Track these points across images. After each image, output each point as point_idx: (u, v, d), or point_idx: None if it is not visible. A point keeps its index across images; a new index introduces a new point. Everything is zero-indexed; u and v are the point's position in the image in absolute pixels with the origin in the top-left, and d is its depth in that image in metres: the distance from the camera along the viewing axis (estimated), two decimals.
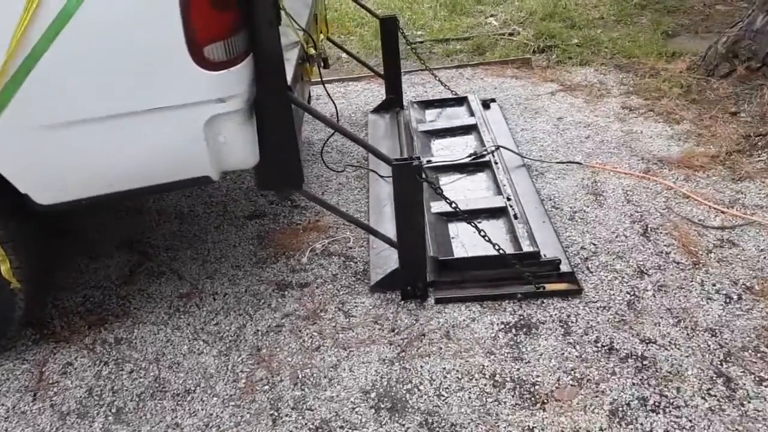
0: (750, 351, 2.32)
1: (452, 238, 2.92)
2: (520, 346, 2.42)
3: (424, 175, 2.50)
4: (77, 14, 1.95)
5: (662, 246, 2.87)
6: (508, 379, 2.29)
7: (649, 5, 5.82)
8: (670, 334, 2.42)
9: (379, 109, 4.23)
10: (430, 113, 4.19)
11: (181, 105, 2.14)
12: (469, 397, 2.23)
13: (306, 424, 2.20)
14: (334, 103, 3.38)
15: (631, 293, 2.63)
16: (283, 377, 2.39)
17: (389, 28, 3.93)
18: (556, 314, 2.55)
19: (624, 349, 2.37)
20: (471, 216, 2.80)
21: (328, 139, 3.71)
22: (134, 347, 2.59)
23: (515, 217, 2.95)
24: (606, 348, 2.38)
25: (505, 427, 2.12)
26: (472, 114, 4.00)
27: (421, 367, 2.37)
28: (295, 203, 3.40)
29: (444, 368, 2.35)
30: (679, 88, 4.25)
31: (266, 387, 2.35)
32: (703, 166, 3.42)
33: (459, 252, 2.83)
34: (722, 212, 3.05)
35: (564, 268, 2.70)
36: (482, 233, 2.63)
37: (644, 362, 2.31)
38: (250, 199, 3.50)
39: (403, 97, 4.21)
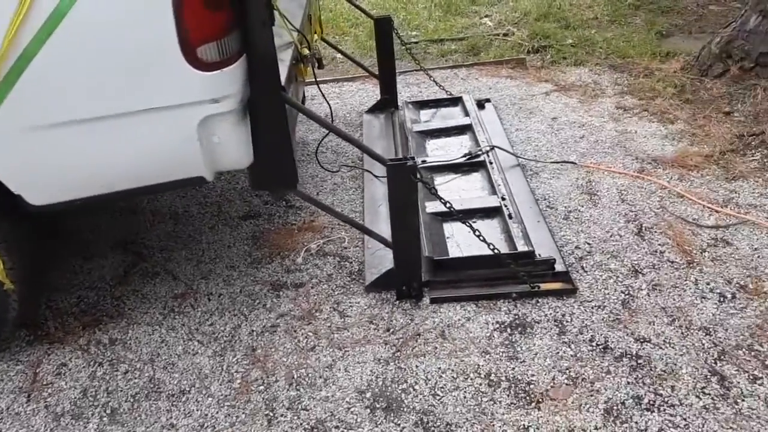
0: (744, 349, 2.33)
1: (447, 237, 2.93)
2: (515, 345, 2.42)
3: (418, 175, 2.50)
4: (70, 14, 1.95)
5: (656, 245, 2.88)
6: (504, 378, 2.29)
7: (643, 5, 5.84)
8: (664, 332, 2.43)
9: (374, 110, 4.23)
10: (425, 113, 4.19)
11: (175, 105, 2.14)
12: (465, 397, 2.23)
13: (301, 424, 2.20)
14: (328, 103, 3.38)
15: (626, 292, 2.63)
16: (278, 377, 2.38)
17: (384, 28, 3.94)
18: (551, 313, 2.55)
19: (619, 348, 2.38)
20: (466, 216, 2.81)
21: (322, 140, 3.71)
22: (129, 348, 2.58)
23: (510, 216, 2.96)
24: (601, 347, 2.39)
25: (500, 427, 2.12)
26: (466, 114, 4.00)
27: (417, 366, 2.37)
28: (289, 203, 3.40)
29: (439, 368, 2.36)
30: (673, 88, 4.27)
31: (261, 387, 2.35)
32: (697, 165, 3.43)
33: (454, 252, 2.83)
34: (716, 211, 3.06)
35: (559, 267, 2.71)
36: (477, 233, 2.63)
37: (639, 361, 2.31)
38: (245, 199, 3.50)
39: (397, 97, 4.21)
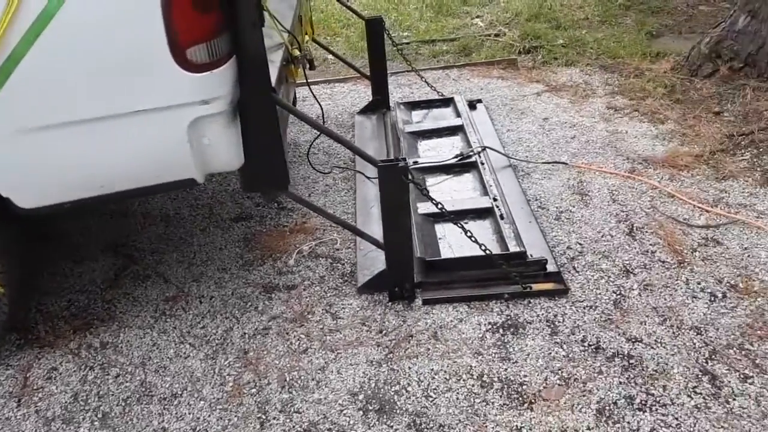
0: (735, 348, 2.34)
1: (439, 238, 2.92)
2: (508, 346, 2.42)
3: (410, 176, 2.49)
4: (58, 15, 1.94)
5: (648, 245, 2.88)
6: (496, 379, 2.29)
7: (634, 6, 5.86)
8: (656, 332, 2.43)
9: (365, 111, 4.23)
10: (417, 114, 4.19)
11: (165, 107, 2.13)
12: (457, 398, 2.23)
13: (294, 426, 2.19)
14: (320, 104, 3.38)
15: (617, 292, 2.64)
16: (270, 380, 2.38)
17: (375, 29, 3.93)
18: (543, 314, 2.55)
19: (610, 348, 2.38)
20: (458, 217, 2.81)
21: (314, 141, 3.71)
22: (120, 351, 2.57)
23: (502, 217, 2.96)
24: (593, 347, 2.39)
25: (493, 428, 2.12)
26: (458, 115, 4.00)
27: (409, 368, 2.37)
28: (281, 205, 3.39)
29: (432, 369, 2.35)
30: (664, 88, 4.28)
31: (254, 390, 2.34)
32: (687, 165, 3.44)
33: (446, 253, 2.83)
34: (707, 211, 3.07)
35: (550, 267, 2.71)
36: (469, 234, 2.63)
37: (631, 361, 2.32)
38: (236, 201, 3.49)
39: (389, 98, 4.21)
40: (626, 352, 2.36)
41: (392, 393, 2.28)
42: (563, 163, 3.56)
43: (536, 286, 2.65)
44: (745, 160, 3.44)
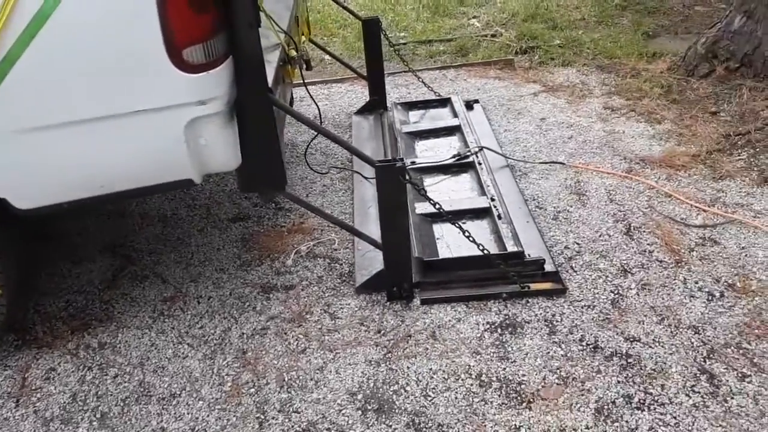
0: (732, 347, 2.34)
1: (437, 238, 2.93)
2: (506, 345, 2.43)
3: (407, 177, 2.50)
4: (54, 16, 1.94)
5: (645, 245, 2.89)
6: (494, 378, 2.29)
7: (630, 6, 5.87)
8: (653, 332, 2.44)
9: (362, 111, 4.23)
10: (414, 114, 4.19)
11: (161, 108, 2.13)
12: (456, 397, 2.24)
13: (293, 426, 2.19)
14: (317, 104, 3.37)
15: (615, 292, 2.64)
16: (269, 380, 2.37)
17: (372, 29, 3.94)
18: (541, 313, 2.56)
19: (609, 347, 2.38)
20: (455, 217, 2.81)
21: (311, 141, 3.70)
22: (118, 352, 2.56)
23: (499, 217, 2.96)
24: (591, 346, 2.39)
25: (491, 427, 2.12)
26: (455, 115, 4.01)
27: (408, 368, 2.37)
28: (279, 205, 3.39)
29: (430, 369, 2.35)
30: (660, 88, 4.29)
31: (252, 390, 2.34)
32: (684, 165, 3.45)
33: (444, 253, 2.83)
34: (704, 211, 3.07)
35: (548, 267, 2.72)
36: (467, 234, 2.63)
37: (629, 360, 2.32)
38: (234, 201, 3.49)
39: (386, 98, 4.22)
40: (624, 351, 2.36)
41: (391, 392, 2.28)
42: (560, 163, 3.56)
43: (534, 286, 2.65)
44: (742, 159, 3.45)
